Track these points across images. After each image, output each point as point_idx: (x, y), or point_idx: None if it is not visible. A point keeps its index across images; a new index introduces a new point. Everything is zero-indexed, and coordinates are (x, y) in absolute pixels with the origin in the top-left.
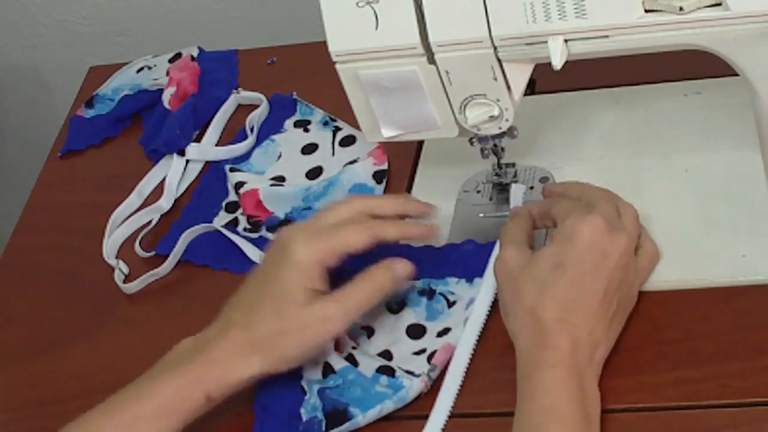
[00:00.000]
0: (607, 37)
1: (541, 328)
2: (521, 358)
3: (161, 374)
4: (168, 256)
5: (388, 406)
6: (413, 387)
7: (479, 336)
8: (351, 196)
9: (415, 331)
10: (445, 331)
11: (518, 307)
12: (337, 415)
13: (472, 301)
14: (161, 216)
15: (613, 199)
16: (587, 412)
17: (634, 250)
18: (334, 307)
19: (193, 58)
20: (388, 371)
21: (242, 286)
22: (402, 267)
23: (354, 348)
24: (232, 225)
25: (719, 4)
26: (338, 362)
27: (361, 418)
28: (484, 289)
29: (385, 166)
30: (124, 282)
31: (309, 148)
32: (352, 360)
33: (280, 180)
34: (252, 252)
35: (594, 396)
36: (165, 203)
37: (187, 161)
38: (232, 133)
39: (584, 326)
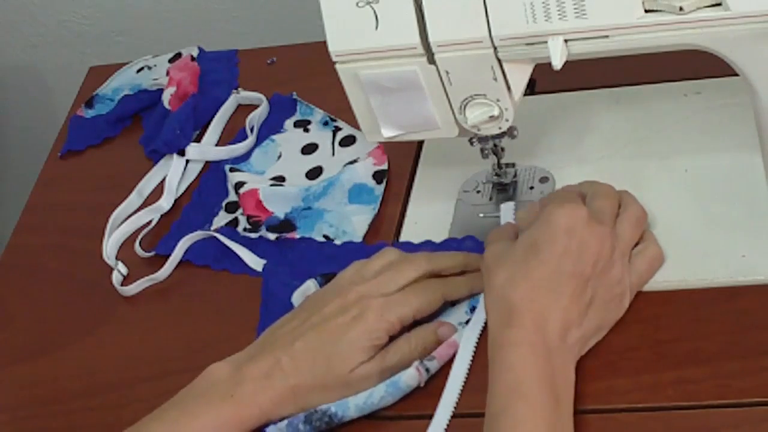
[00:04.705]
0: (607, 37)
1: (508, 307)
2: (490, 337)
3: (196, 407)
4: (168, 256)
5: (379, 389)
6: (406, 373)
7: (480, 336)
8: (415, 256)
9: (417, 322)
10: None
11: (491, 287)
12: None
13: (474, 299)
14: (161, 216)
15: (614, 197)
16: (556, 392)
17: (629, 249)
18: (375, 368)
19: (193, 58)
20: None
21: (292, 320)
22: (447, 330)
23: None
24: (232, 225)
25: (719, 4)
26: None
27: (352, 397)
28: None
29: (385, 166)
30: (123, 284)
31: (309, 148)
32: None
33: (280, 180)
34: (249, 258)
35: (565, 377)
36: (165, 203)
37: (187, 161)
38: (232, 133)
39: (554, 305)
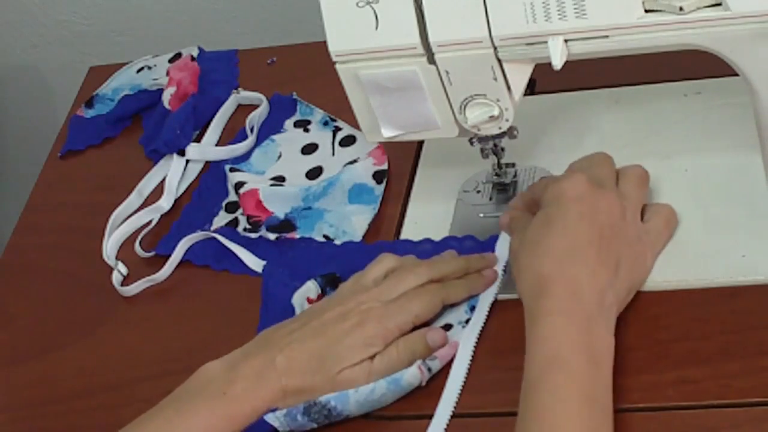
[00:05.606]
0: (607, 37)
1: (539, 280)
2: (526, 311)
3: (190, 405)
4: (168, 256)
5: (380, 386)
6: (407, 372)
7: (479, 335)
8: (416, 263)
9: (416, 327)
10: (447, 327)
11: (520, 269)
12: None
13: (474, 299)
14: (161, 216)
15: (610, 164)
16: (595, 357)
17: (639, 208)
18: (362, 373)
19: (193, 58)
20: None
21: (291, 323)
22: (437, 336)
23: None
24: (232, 225)
25: (719, 4)
26: None
27: (353, 392)
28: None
29: (385, 166)
30: (123, 284)
31: (309, 148)
32: None
33: (280, 180)
34: (249, 259)
35: (604, 341)
36: (165, 203)
37: (187, 161)
38: (232, 133)
39: (583, 270)
